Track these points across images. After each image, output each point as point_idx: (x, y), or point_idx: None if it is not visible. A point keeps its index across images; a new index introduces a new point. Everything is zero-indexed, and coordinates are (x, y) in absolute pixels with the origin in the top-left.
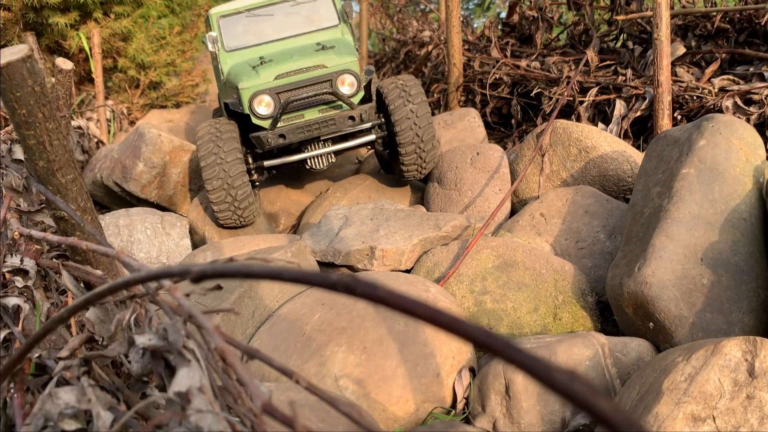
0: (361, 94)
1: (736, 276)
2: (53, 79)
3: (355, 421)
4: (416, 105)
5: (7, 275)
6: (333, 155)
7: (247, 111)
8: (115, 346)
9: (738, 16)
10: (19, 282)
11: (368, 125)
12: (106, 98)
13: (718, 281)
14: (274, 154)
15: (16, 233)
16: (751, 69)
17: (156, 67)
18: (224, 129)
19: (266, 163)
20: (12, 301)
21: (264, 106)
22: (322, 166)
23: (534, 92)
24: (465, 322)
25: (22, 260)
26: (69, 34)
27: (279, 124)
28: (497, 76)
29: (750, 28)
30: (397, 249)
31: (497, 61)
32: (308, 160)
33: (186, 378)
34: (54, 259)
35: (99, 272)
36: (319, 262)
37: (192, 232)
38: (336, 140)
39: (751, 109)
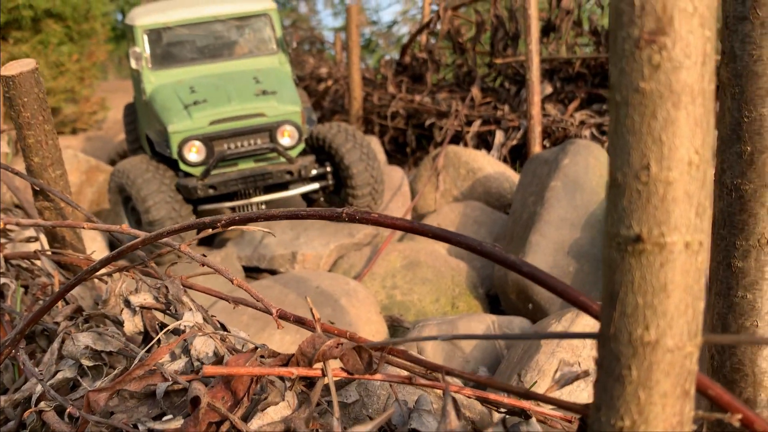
0: (302, 146)
1: (593, 264)
2: None
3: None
4: (366, 150)
5: None
6: (264, 204)
7: (175, 156)
8: (110, 309)
9: (594, 62)
10: None
11: (311, 176)
12: None
13: (580, 269)
14: (205, 198)
15: (2, 223)
16: (605, 106)
17: (55, 93)
18: (165, 173)
19: (199, 208)
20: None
21: (195, 153)
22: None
23: (427, 123)
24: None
25: None
26: None
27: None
28: (394, 109)
29: (604, 72)
30: (316, 254)
31: (393, 96)
32: (237, 208)
33: (190, 317)
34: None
35: (82, 254)
36: (244, 267)
37: (114, 247)
38: (270, 188)
39: (604, 137)
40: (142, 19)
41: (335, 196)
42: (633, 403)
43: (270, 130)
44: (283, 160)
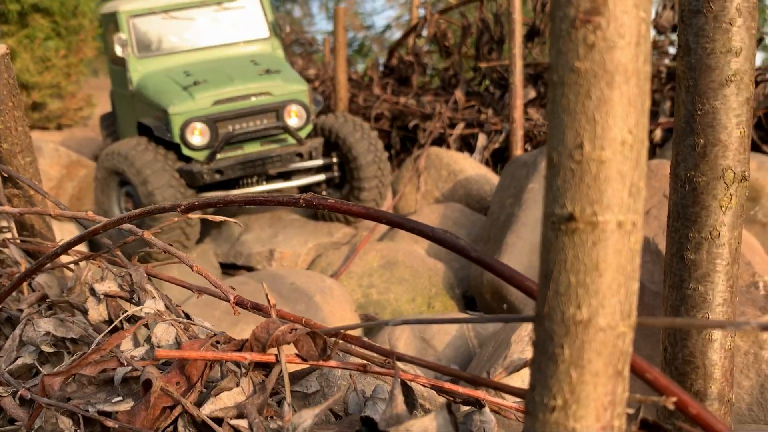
0: (310, 127)
1: None
2: None
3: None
4: (375, 142)
5: None
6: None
7: (177, 140)
8: (75, 297)
9: None
10: None
11: (318, 163)
12: None
13: None
14: (205, 186)
15: None
16: None
17: (40, 88)
18: (167, 153)
19: (199, 196)
20: None
21: (198, 135)
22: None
23: (411, 125)
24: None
25: None
26: None
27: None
28: (379, 111)
29: None
30: (294, 252)
31: (378, 98)
32: None
33: (152, 304)
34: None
35: (50, 242)
36: (221, 264)
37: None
38: (272, 178)
39: None
40: (126, 5)
41: (339, 191)
42: (565, 382)
43: (277, 110)
44: (290, 141)
